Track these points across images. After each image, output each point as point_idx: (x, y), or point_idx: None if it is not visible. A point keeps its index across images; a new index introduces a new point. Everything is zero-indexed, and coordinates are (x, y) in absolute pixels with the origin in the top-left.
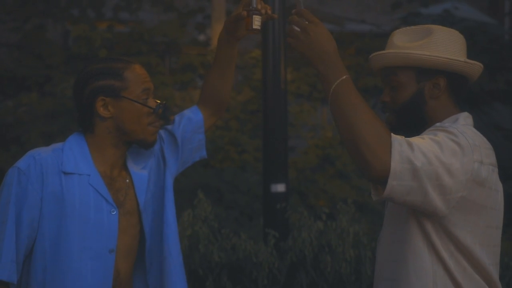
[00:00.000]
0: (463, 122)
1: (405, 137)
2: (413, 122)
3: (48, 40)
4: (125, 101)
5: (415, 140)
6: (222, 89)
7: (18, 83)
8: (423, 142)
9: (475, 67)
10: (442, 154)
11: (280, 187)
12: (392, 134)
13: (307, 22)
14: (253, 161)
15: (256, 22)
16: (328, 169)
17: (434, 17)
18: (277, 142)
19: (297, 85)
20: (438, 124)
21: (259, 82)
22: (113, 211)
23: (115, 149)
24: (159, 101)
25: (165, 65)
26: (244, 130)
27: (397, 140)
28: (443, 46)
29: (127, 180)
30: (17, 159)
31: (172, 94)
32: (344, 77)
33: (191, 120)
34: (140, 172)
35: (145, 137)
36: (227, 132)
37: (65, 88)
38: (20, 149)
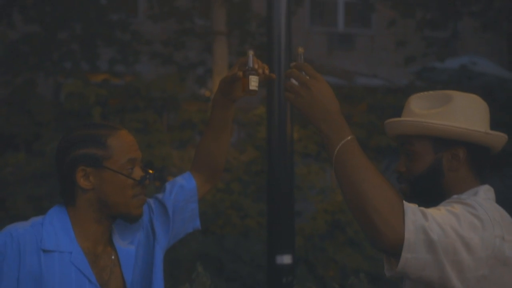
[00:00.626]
0: (484, 196)
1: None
2: (429, 194)
3: (39, 95)
4: (107, 172)
5: (430, 210)
6: (217, 153)
7: (5, 141)
8: (439, 213)
9: (498, 138)
10: (460, 227)
11: (286, 259)
12: (404, 201)
13: (307, 77)
14: (256, 227)
15: (253, 83)
16: (338, 236)
17: (450, 72)
18: (282, 206)
19: (304, 144)
20: (455, 196)
21: (263, 141)
22: None
23: (98, 224)
24: (150, 171)
25: (162, 122)
26: (247, 193)
27: (410, 208)
28: (463, 114)
29: (113, 257)
30: (2, 226)
31: (170, 153)
32: (349, 137)
33: (183, 188)
34: (127, 247)
35: (129, 211)
36: (228, 195)
37: (55, 148)
38: (5, 214)
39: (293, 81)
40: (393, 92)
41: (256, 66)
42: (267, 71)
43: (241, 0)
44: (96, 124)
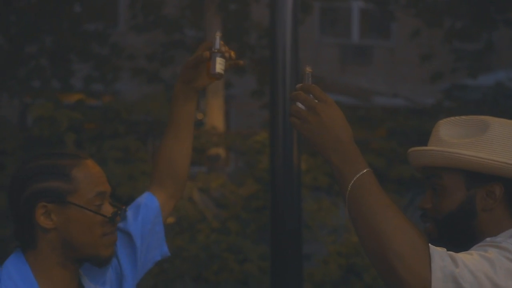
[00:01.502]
0: None
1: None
2: (459, 236)
3: (2, 119)
4: (72, 208)
5: (460, 255)
6: (180, 158)
7: None
8: (471, 259)
9: None
10: (495, 274)
11: None
12: (430, 244)
13: (316, 101)
14: (257, 273)
15: (219, 65)
16: (354, 283)
17: (484, 89)
18: (288, 248)
19: (314, 176)
20: (489, 239)
21: (265, 172)
22: None
23: (63, 269)
24: (120, 206)
25: (147, 150)
26: (246, 233)
27: (438, 252)
28: (501, 146)
29: None
30: None
31: None
32: (364, 170)
33: (148, 208)
34: None
35: (97, 253)
36: (224, 236)
37: (10, 181)
38: None
39: (299, 105)
40: (417, 114)
41: (223, 49)
42: (233, 56)
43: (239, 7)
44: (57, 153)
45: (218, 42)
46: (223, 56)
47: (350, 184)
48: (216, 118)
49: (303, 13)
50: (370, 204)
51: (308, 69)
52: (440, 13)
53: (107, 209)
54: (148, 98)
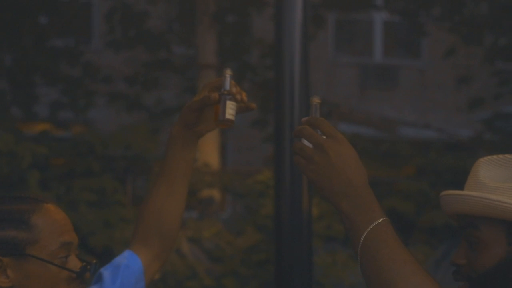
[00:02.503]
0: None
1: None
2: None
3: None
4: (32, 262)
5: None
6: (171, 213)
7: None
8: None
9: None
10: None
11: None
12: None
13: (324, 137)
14: None
15: (230, 110)
16: None
17: None
18: None
19: (327, 224)
20: None
21: (269, 219)
22: None
23: None
24: (90, 261)
25: (126, 192)
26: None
27: None
28: None
29: None
30: None
31: None
32: (380, 220)
33: (129, 270)
34: None
35: None
36: None
37: None
38: None
39: (305, 141)
40: (452, 149)
41: (233, 90)
42: (245, 98)
43: (237, 19)
44: (13, 197)
45: (228, 82)
46: (234, 99)
47: (363, 236)
48: (209, 153)
49: (315, 27)
50: (386, 259)
51: (316, 100)
52: (480, 28)
53: (74, 263)
54: (128, 129)
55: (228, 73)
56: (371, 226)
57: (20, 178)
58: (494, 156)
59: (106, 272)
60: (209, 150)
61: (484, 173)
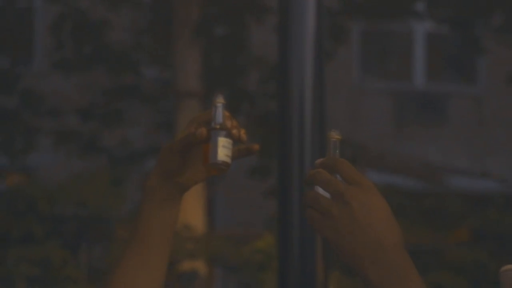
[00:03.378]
0: None
1: None
2: None
3: None
4: None
5: None
6: None
7: None
8: None
9: None
10: None
11: None
12: None
13: (344, 184)
14: None
15: (224, 150)
16: None
17: None
18: None
19: None
20: None
21: None
22: None
23: None
24: None
25: (79, 264)
26: None
27: None
28: None
29: None
30: None
31: None
32: None
33: None
34: None
35: None
36: None
37: None
38: None
39: (320, 190)
40: None
41: (228, 124)
42: (244, 136)
43: (230, 31)
44: None
45: (220, 113)
46: (229, 135)
47: None
48: (192, 210)
49: (335, 42)
50: None
51: (335, 136)
52: None
53: None
54: (81, 179)
55: (219, 101)
56: None
57: None
58: None
59: None
60: (191, 207)
61: None
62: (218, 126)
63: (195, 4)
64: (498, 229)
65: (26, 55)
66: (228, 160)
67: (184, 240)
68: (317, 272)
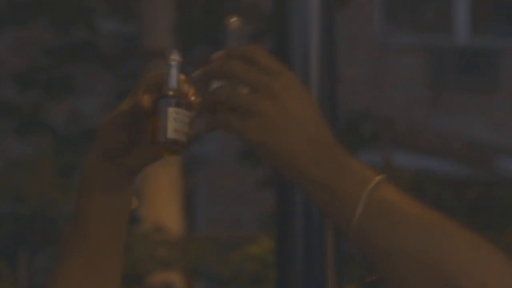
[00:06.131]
0: None
1: None
2: None
3: None
4: None
5: None
6: None
7: None
8: None
9: None
10: None
11: None
12: None
13: (268, 75)
14: None
15: (178, 124)
16: None
17: None
18: None
19: None
20: None
21: None
22: None
23: None
24: None
25: (17, 276)
26: None
27: None
28: None
29: None
30: None
31: None
32: (376, 179)
33: None
34: None
35: None
36: None
37: None
38: None
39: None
40: None
41: (185, 89)
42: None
43: None
44: None
45: (175, 75)
46: (184, 105)
47: (360, 205)
48: (165, 208)
49: None
50: (407, 227)
51: (235, 22)
52: None
53: None
54: (19, 166)
55: (174, 59)
56: (368, 189)
57: None
58: None
59: None
60: (164, 203)
61: None
62: (170, 93)
63: None
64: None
65: None
66: (181, 137)
67: (155, 246)
68: (326, 285)
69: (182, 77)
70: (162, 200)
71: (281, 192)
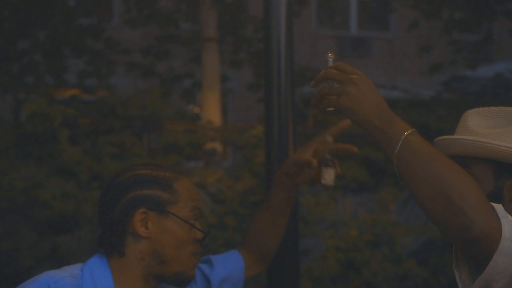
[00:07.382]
0: None
1: None
2: None
3: None
4: (171, 219)
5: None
6: (272, 237)
7: None
8: None
9: None
10: None
11: None
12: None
13: (349, 74)
14: None
15: (327, 176)
16: (353, 279)
17: (484, 81)
18: (285, 243)
19: None
20: None
21: (262, 167)
22: None
23: (144, 283)
24: (208, 230)
25: (143, 145)
26: (243, 229)
27: (501, 208)
28: None
29: None
30: None
31: None
32: (410, 130)
33: (235, 268)
34: None
35: (184, 271)
36: (221, 232)
37: (15, 178)
38: None
39: (332, 83)
40: (416, 106)
41: (334, 162)
42: (338, 170)
43: (235, 0)
44: (158, 166)
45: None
46: (332, 165)
47: (399, 143)
48: (212, 112)
49: (300, 5)
50: (426, 156)
51: (331, 56)
52: (438, 4)
53: (199, 228)
54: (143, 92)
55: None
56: (405, 134)
57: (52, 135)
58: (479, 108)
59: (214, 259)
60: (212, 110)
61: (472, 122)
62: (326, 159)
63: None
64: (402, 118)
65: (108, 15)
66: (330, 183)
67: (208, 130)
68: (289, 149)
69: (332, 145)
70: (211, 108)
71: (267, 107)
